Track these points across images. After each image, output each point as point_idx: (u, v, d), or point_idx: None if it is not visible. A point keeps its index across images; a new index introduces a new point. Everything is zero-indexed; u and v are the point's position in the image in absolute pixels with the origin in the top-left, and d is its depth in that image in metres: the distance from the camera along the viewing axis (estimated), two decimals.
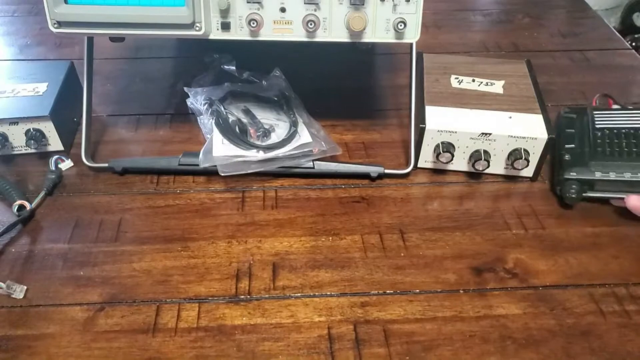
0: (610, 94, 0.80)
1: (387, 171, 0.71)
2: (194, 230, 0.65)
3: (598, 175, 0.66)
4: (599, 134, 0.70)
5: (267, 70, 0.81)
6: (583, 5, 1.14)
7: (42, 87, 0.74)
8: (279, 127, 0.74)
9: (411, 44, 0.68)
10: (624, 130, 0.69)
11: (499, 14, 1.10)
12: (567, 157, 0.68)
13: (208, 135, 0.72)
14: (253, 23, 0.61)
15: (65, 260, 0.61)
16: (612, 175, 0.65)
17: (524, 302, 0.57)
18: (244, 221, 0.66)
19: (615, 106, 0.79)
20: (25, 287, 0.58)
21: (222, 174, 0.67)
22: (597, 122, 0.72)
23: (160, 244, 0.63)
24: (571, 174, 0.66)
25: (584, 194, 0.66)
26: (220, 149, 0.69)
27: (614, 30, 1.05)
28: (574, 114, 0.74)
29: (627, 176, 0.65)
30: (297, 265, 0.61)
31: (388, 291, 0.59)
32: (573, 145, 0.69)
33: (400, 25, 0.62)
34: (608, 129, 0.70)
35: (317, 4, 0.61)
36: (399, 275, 0.60)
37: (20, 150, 0.73)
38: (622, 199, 0.64)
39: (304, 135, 0.72)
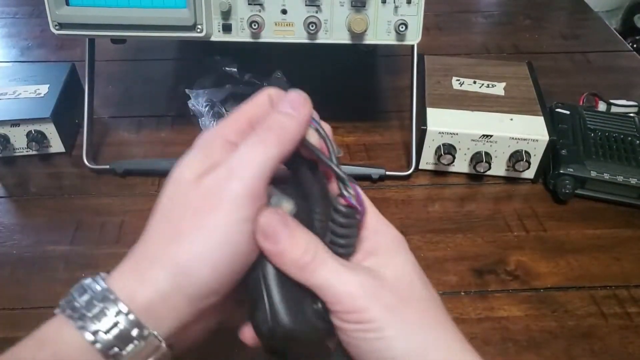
0: (598, 92, 0.80)
1: (388, 173, 0.71)
2: None
3: (593, 174, 0.66)
4: (592, 134, 0.71)
5: (269, 72, 0.81)
6: (584, 7, 1.14)
7: (44, 89, 0.74)
8: None
9: (412, 46, 0.68)
10: (614, 135, 0.70)
11: (500, 15, 1.10)
12: (563, 152, 0.68)
13: None
14: (254, 25, 0.62)
15: (66, 262, 0.61)
16: (606, 176, 0.66)
17: (525, 304, 0.57)
18: None
19: (601, 103, 0.79)
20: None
21: None
22: (589, 123, 0.72)
23: None
24: (568, 169, 0.67)
25: (575, 191, 0.67)
26: None
27: (615, 32, 1.05)
28: (567, 110, 0.75)
29: (620, 179, 0.66)
30: None
31: None
32: (569, 142, 0.70)
33: (402, 27, 0.62)
34: (600, 131, 0.71)
35: (319, 5, 0.61)
36: None
37: (22, 152, 0.73)
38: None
39: None
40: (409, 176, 0.71)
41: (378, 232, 0.36)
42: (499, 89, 0.75)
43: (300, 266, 0.32)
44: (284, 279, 0.33)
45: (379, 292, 0.33)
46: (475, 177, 0.72)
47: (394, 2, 0.61)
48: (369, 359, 0.33)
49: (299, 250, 0.33)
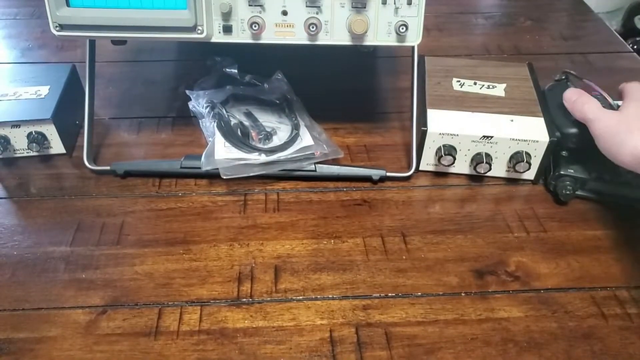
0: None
1: (388, 174, 0.71)
2: (196, 233, 0.65)
3: (594, 175, 0.66)
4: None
5: (269, 73, 0.82)
6: (585, 8, 1.14)
7: (44, 90, 0.74)
8: (281, 130, 0.74)
9: (413, 47, 0.69)
10: None
11: (500, 16, 1.10)
12: (564, 153, 0.68)
13: (210, 138, 0.72)
14: (255, 26, 0.62)
15: (67, 263, 0.61)
16: (607, 177, 0.66)
17: (525, 305, 0.57)
18: (246, 224, 0.66)
19: None
20: None
21: (224, 177, 0.67)
22: None
23: (162, 247, 0.63)
24: (569, 170, 0.67)
25: (576, 192, 0.67)
26: (222, 152, 0.69)
27: (616, 33, 1.05)
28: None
29: (621, 180, 0.65)
30: (299, 268, 0.61)
31: (390, 294, 0.59)
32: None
33: (402, 28, 0.62)
34: None
35: (319, 7, 0.61)
36: (400, 278, 0.60)
37: (22, 153, 0.73)
38: None
39: (305, 138, 0.72)
40: (409, 177, 0.71)
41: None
42: (499, 90, 0.75)
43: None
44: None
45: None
46: (476, 178, 0.72)
47: (395, 3, 0.61)
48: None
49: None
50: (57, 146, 0.73)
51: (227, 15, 0.62)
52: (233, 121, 0.74)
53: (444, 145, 0.69)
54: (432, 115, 0.70)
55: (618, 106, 0.64)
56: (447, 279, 0.60)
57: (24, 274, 0.60)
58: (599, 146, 0.61)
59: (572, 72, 0.74)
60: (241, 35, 0.63)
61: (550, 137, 0.67)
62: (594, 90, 0.68)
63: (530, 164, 0.68)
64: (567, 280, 0.60)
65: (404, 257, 0.62)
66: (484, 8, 1.14)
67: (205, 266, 0.61)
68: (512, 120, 0.70)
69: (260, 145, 0.71)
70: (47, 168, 0.73)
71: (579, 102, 0.65)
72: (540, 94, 0.74)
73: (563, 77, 0.75)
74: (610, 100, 0.66)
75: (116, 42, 0.70)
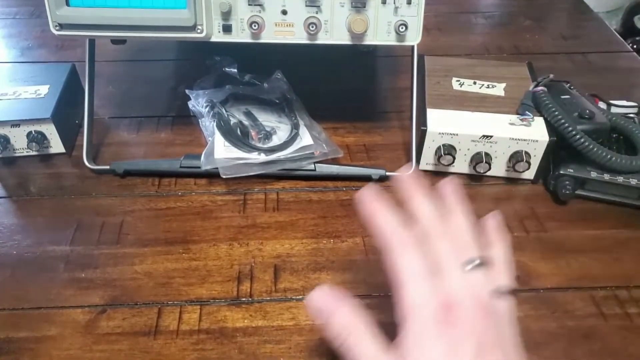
0: (597, 93, 0.80)
1: (388, 173, 0.71)
2: (196, 232, 0.65)
3: (593, 175, 0.66)
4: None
5: (269, 73, 0.82)
6: (584, 8, 1.14)
7: (44, 89, 0.74)
8: (281, 129, 0.74)
9: (412, 47, 0.69)
10: (614, 135, 0.70)
11: (500, 16, 1.10)
12: (563, 152, 0.68)
13: (209, 138, 0.72)
14: (254, 25, 0.62)
15: (66, 263, 0.61)
16: (606, 177, 0.66)
17: (525, 304, 0.57)
18: (245, 223, 0.66)
19: (601, 103, 0.79)
20: None
21: (224, 177, 0.67)
22: None
23: (162, 246, 0.63)
24: (568, 170, 0.67)
25: (575, 192, 0.67)
26: (222, 152, 0.69)
27: (615, 33, 1.05)
28: None
29: (620, 180, 0.65)
30: (298, 268, 0.61)
31: (389, 293, 0.58)
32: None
33: (402, 28, 0.62)
34: None
35: (319, 6, 0.61)
36: None
37: (22, 152, 0.73)
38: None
39: (305, 138, 0.72)
40: None
41: None
42: (499, 89, 0.75)
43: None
44: None
45: None
46: (475, 178, 0.72)
47: (394, 2, 0.61)
48: None
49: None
50: (56, 145, 0.73)
51: (226, 15, 0.62)
52: (233, 120, 0.74)
53: (443, 145, 0.69)
54: (432, 114, 0.70)
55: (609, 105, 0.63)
56: None
57: (23, 273, 0.60)
58: None
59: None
60: (241, 35, 0.63)
61: (549, 137, 0.67)
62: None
63: (529, 164, 0.68)
64: (566, 280, 0.60)
65: None
66: (484, 7, 1.14)
67: (205, 265, 0.61)
68: (511, 120, 0.70)
69: (259, 145, 0.71)
70: (47, 167, 0.73)
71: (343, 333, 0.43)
72: None
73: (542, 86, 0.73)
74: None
75: (116, 41, 0.70)
